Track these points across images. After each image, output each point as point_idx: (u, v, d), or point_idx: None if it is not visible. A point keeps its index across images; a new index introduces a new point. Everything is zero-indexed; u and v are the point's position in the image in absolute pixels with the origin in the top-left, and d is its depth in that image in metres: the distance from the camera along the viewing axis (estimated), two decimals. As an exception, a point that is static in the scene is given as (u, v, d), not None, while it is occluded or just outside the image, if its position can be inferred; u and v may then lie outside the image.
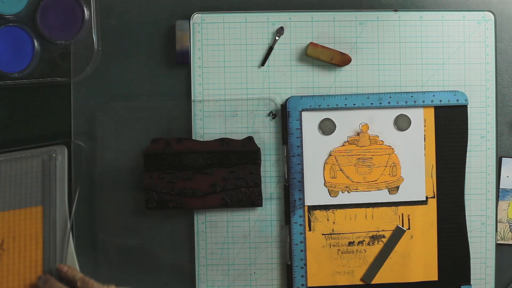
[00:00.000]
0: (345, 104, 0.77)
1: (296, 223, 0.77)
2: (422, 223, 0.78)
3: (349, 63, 0.78)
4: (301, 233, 0.77)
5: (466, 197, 0.78)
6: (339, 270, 0.78)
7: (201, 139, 0.77)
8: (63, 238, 0.77)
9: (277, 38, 0.78)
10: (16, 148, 0.77)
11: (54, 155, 0.76)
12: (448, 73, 0.79)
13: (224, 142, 0.76)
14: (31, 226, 0.77)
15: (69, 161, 0.78)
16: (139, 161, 0.77)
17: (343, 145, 0.78)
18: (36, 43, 0.77)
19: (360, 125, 0.78)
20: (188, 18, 0.78)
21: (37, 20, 0.77)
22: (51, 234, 0.77)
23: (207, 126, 0.78)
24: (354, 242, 0.78)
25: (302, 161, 0.77)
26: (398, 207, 0.78)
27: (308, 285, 0.78)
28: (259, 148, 0.76)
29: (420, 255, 0.78)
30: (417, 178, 0.78)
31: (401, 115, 0.78)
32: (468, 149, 0.78)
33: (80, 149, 0.78)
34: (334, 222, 0.78)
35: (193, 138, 0.77)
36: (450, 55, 0.79)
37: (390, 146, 0.78)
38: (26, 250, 0.77)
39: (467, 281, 0.78)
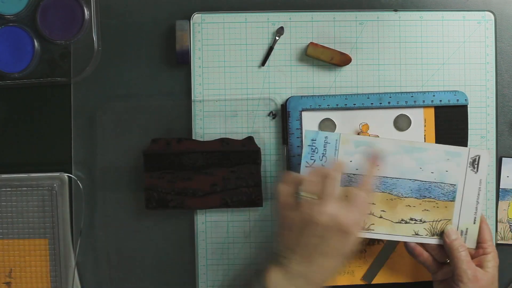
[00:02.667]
0: (345, 104, 0.77)
1: (296, 223, 0.77)
2: (422, 223, 0.78)
3: (349, 63, 0.78)
4: (301, 233, 0.77)
5: (466, 197, 0.78)
6: (339, 270, 0.78)
7: (201, 139, 0.77)
8: (69, 273, 0.78)
9: (277, 38, 0.78)
10: (15, 177, 0.77)
11: (55, 190, 0.77)
12: (448, 73, 0.79)
13: (224, 142, 0.76)
14: (39, 258, 0.77)
15: (70, 192, 0.78)
16: (139, 161, 0.77)
17: (343, 145, 0.78)
18: (36, 43, 0.77)
19: (360, 125, 0.78)
20: (188, 18, 0.78)
21: (37, 20, 0.77)
22: (57, 268, 0.78)
23: (207, 126, 0.78)
24: (354, 242, 0.78)
25: (302, 161, 0.77)
26: (398, 207, 0.78)
27: (308, 285, 0.78)
28: (259, 148, 0.76)
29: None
30: (417, 178, 0.78)
31: (401, 115, 0.78)
32: (468, 149, 0.78)
33: (80, 181, 0.78)
34: (334, 222, 0.78)
35: (193, 138, 0.77)
36: (450, 55, 0.79)
37: (390, 146, 0.78)
38: (33, 282, 0.77)
39: (467, 281, 0.78)
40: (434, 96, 0.77)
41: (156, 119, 0.78)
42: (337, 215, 0.63)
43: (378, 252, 0.78)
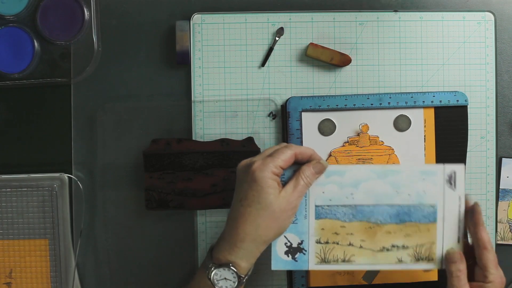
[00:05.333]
0: (345, 105, 0.77)
1: (296, 223, 0.77)
2: (422, 223, 0.78)
3: (349, 63, 0.78)
4: (301, 234, 0.77)
5: (466, 197, 0.78)
6: (339, 270, 0.78)
7: (201, 140, 0.77)
8: (69, 274, 0.78)
9: (277, 38, 0.78)
10: (15, 177, 0.77)
11: (55, 190, 0.77)
12: (448, 73, 0.79)
13: (224, 142, 0.76)
14: (39, 258, 0.78)
15: (70, 192, 0.78)
16: (139, 161, 0.77)
17: (343, 146, 0.78)
18: (36, 44, 0.77)
19: (360, 126, 0.78)
20: (188, 18, 0.78)
21: (37, 21, 0.77)
22: (57, 269, 0.78)
23: (207, 127, 0.78)
24: (354, 242, 0.78)
25: (302, 161, 0.77)
26: (398, 207, 0.78)
27: (308, 285, 0.78)
28: (259, 148, 0.76)
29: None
30: (417, 179, 0.78)
31: (401, 115, 0.78)
32: (468, 149, 0.78)
33: (80, 181, 0.78)
34: (334, 223, 0.78)
35: (193, 138, 0.77)
36: (450, 55, 0.79)
37: (390, 147, 0.78)
38: (33, 283, 0.78)
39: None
40: (434, 96, 0.77)
41: (156, 120, 0.78)
42: (251, 162, 0.63)
43: (378, 252, 0.78)
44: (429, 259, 0.66)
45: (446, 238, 0.66)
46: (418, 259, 0.66)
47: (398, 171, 0.66)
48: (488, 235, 0.63)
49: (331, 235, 0.66)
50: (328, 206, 0.66)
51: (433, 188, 0.66)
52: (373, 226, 0.66)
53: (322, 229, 0.66)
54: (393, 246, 0.66)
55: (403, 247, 0.66)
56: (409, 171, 0.66)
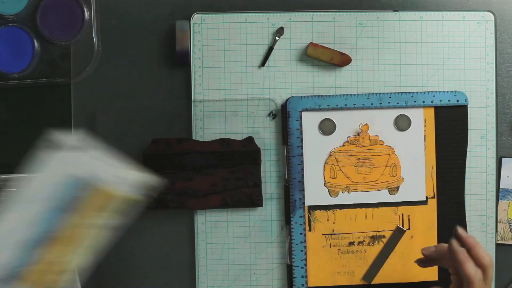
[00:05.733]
0: (345, 104, 0.77)
1: (296, 223, 0.77)
2: (422, 223, 0.78)
3: (349, 63, 0.78)
4: (301, 233, 0.77)
5: (466, 197, 0.78)
6: (339, 270, 0.78)
7: (201, 139, 0.77)
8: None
9: (277, 38, 0.78)
10: (15, 177, 0.77)
11: None
12: (448, 73, 0.79)
13: (224, 142, 0.76)
14: None
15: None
16: (139, 161, 0.77)
17: (343, 145, 0.78)
18: (36, 43, 0.77)
19: (360, 125, 0.78)
20: (188, 18, 0.78)
21: (37, 20, 0.77)
22: None
23: (207, 126, 0.78)
24: (354, 242, 0.78)
25: (302, 161, 0.77)
26: (398, 207, 0.78)
27: (309, 285, 0.78)
28: (259, 148, 0.76)
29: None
30: (417, 178, 0.78)
31: (401, 115, 0.78)
32: (468, 149, 0.78)
33: None
34: (334, 222, 0.78)
35: (193, 138, 0.77)
36: (450, 55, 0.79)
37: (390, 146, 0.78)
38: None
39: (467, 281, 0.78)
40: (434, 96, 0.77)
41: (156, 119, 0.78)
42: None
43: (378, 252, 0.78)
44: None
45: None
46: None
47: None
48: (474, 269, 0.61)
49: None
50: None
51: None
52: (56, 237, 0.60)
53: None
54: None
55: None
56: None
